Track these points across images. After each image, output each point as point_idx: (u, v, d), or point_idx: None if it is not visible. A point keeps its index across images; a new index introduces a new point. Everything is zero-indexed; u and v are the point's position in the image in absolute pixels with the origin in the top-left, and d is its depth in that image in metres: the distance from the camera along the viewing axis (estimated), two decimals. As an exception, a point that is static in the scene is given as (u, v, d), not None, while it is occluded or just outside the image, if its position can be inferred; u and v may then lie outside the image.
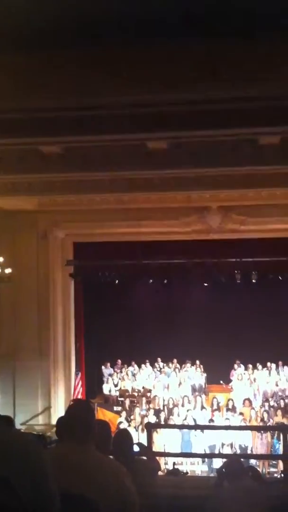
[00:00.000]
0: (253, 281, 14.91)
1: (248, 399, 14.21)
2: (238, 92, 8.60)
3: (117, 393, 16.09)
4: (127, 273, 15.03)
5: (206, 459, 12.00)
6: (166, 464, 11.38)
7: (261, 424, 12.73)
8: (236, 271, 14.83)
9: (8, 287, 13.85)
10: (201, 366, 16.68)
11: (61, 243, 15.19)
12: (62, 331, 15.10)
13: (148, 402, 14.82)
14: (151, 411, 13.75)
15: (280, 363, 16.38)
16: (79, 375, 15.39)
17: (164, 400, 14.88)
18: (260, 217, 14.03)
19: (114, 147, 10.79)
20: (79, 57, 8.35)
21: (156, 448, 10.96)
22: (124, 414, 13.55)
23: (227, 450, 11.72)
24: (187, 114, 9.23)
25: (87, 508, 2.87)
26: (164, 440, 11.99)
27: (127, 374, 16.65)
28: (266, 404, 14.30)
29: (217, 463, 10.64)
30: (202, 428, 12.31)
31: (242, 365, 16.61)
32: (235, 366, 16.64)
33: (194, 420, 12.80)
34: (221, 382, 16.04)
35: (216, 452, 11.72)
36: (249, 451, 11.96)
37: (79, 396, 14.71)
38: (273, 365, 16.38)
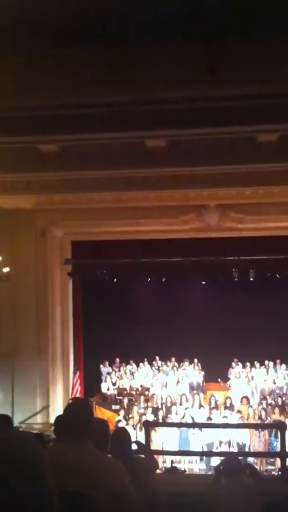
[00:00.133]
0: (251, 279, 14.93)
1: (246, 397, 14.24)
2: (237, 90, 8.63)
3: (115, 392, 16.10)
4: (125, 272, 15.04)
5: (204, 457, 12.04)
6: (164, 462, 11.42)
7: (258, 422, 12.75)
8: (234, 269, 14.85)
9: (7, 286, 13.86)
10: (199, 364, 16.69)
11: (60, 242, 15.19)
12: (60, 330, 15.12)
13: (146, 401, 14.84)
14: (149, 410, 13.77)
15: (277, 361, 16.40)
16: (78, 374, 15.40)
17: (162, 399, 14.90)
18: (258, 215, 14.05)
19: (112, 146, 10.81)
20: (77, 57, 8.37)
21: (154, 446, 10.99)
22: (122, 412, 13.57)
23: (225, 448, 11.74)
24: (186, 112, 9.25)
25: (86, 506, 2.88)
26: (162, 438, 12.01)
27: (125, 372, 16.66)
28: (264, 402, 14.32)
29: (215, 461, 10.66)
30: (200, 426, 12.34)
31: (240, 363, 16.63)
32: (233, 364, 16.65)
33: (192, 418, 12.83)
34: (219, 380, 16.05)
35: (214, 450, 11.75)
36: (246, 449, 11.99)
37: (78, 395, 14.72)
38: (271, 363, 16.39)
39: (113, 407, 14.97)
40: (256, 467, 8.97)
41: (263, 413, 12.97)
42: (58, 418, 5.28)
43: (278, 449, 10.39)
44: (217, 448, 11.84)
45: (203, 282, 15.80)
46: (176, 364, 16.85)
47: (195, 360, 16.74)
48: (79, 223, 14.50)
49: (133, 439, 7.13)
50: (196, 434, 12.08)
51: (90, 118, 9.42)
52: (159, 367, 16.91)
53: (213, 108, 9.06)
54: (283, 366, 16.38)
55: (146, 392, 15.49)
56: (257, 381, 15.81)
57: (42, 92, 8.61)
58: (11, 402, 13.79)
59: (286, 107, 9.17)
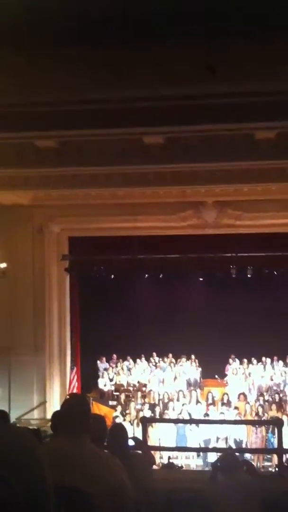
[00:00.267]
0: (249, 276, 14.93)
1: (243, 394, 14.26)
2: (235, 87, 8.62)
3: (113, 388, 16.12)
4: (123, 268, 15.03)
5: (201, 453, 12.06)
6: (161, 458, 11.43)
7: (256, 418, 12.78)
8: (231, 266, 14.85)
9: (3, 282, 13.84)
10: (196, 360, 16.71)
11: (57, 237, 15.17)
12: (57, 326, 15.11)
13: (144, 397, 14.86)
14: (146, 406, 13.79)
15: (275, 357, 16.44)
16: (75, 370, 15.40)
17: (159, 395, 14.92)
18: (256, 212, 14.04)
19: (110, 142, 10.78)
20: (76, 54, 8.34)
21: (151, 442, 10.99)
22: (119, 408, 13.58)
23: (222, 444, 11.77)
24: (184, 109, 9.23)
25: (83, 502, 2.88)
26: (159, 434, 12.02)
27: (122, 368, 16.68)
28: (261, 398, 14.36)
29: (212, 457, 10.69)
30: (197, 422, 12.35)
31: (237, 360, 16.66)
32: (230, 360, 16.68)
33: (189, 414, 12.84)
34: (216, 376, 16.08)
35: (211, 446, 11.76)
36: (243, 445, 12.01)
37: (75, 391, 14.73)
38: (268, 360, 16.43)
39: (110, 403, 14.99)
40: (253, 463, 8.98)
41: (260, 410, 12.99)
42: (55, 414, 5.29)
43: (275, 445, 10.41)
44: (214, 445, 11.86)
45: (201, 279, 15.81)
46: (173, 360, 16.87)
47: (193, 357, 16.76)
48: (77, 219, 14.48)
49: (130, 435, 7.13)
50: (193, 430, 12.10)
51: (88, 114, 9.39)
52: (156, 363, 16.93)
53: (211, 105, 9.04)
54: (280, 362, 16.41)
55: (143, 388, 15.50)
56: (254, 377, 15.84)
57: (41, 90, 8.60)
58: (8, 398, 13.78)
59: (286, 104, 9.17)
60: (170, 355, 16.96)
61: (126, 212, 14.07)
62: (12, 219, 14.30)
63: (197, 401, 13.89)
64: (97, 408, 13.53)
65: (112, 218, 14.21)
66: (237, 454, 6.38)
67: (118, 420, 11.77)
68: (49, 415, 12.46)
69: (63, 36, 7.89)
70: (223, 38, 7.92)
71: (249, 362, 16.52)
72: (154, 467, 8.17)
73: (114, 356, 17.11)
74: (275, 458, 10.64)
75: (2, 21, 7.40)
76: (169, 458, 11.13)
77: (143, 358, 16.94)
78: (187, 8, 7.22)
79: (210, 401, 13.81)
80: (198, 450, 11.90)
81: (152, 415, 12.85)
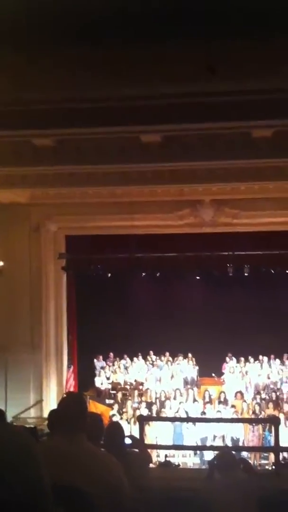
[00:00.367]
0: (246, 274, 14.94)
1: (240, 392, 14.27)
2: (233, 85, 8.62)
3: (109, 386, 16.12)
4: (120, 267, 15.02)
5: (198, 452, 12.06)
6: (158, 456, 11.44)
7: (252, 416, 12.79)
8: (228, 265, 14.85)
9: (0, 280, 13.82)
10: (193, 359, 16.72)
11: (54, 236, 15.16)
12: (54, 325, 15.10)
13: (140, 395, 14.86)
14: (143, 404, 13.79)
15: (272, 356, 16.46)
16: (71, 368, 15.40)
17: (156, 393, 14.92)
18: (253, 211, 14.05)
19: (108, 140, 10.77)
20: (76, 53, 8.33)
21: (148, 440, 11.01)
22: (116, 407, 13.58)
23: (218, 443, 11.77)
24: (182, 107, 9.23)
25: (80, 501, 2.87)
26: (156, 433, 12.03)
27: (119, 367, 16.68)
28: (258, 396, 14.36)
29: (209, 455, 10.69)
30: (194, 420, 12.36)
31: (234, 358, 16.68)
32: (227, 359, 16.69)
33: (186, 412, 12.84)
34: (213, 375, 16.09)
35: (208, 444, 11.77)
36: (240, 444, 12.03)
37: (71, 389, 14.73)
38: (265, 358, 16.45)
39: (107, 401, 14.99)
40: (250, 461, 8.99)
41: (257, 408, 13.00)
42: (52, 413, 5.28)
43: (272, 443, 10.44)
44: (211, 443, 11.87)
45: (198, 277, 15.81)
46: (170, 358, 16.88)
47: (190, 355, 16.78)
48: (74, 218, 14.47)
49: (127, 433, 7.13)
50: (190, 429, 12.11)
51: (86, 113, 9.38)
52: (153, 361, 16.94)
53: (209, 104, 9.04)
54: (277, 361, 16.44)
55: (140, 387, 15.51)
56: (251, 376, 15.86)
57: (39, 88, 8.59)
58: (5, 397, 13.77)
59: (283, 103, 9.17)
60: (167, 353, 16.97)
61: (124, 211, 14.06)
62: (9, 218, 14.28)
63: (194, 400, 13.89)
64: (94, 407, 13.53)
65: (110, 217, 14.20)
66: (234, 452, 6.38)
67: (115, 419, 11.76)
68: (45, 414, 12.45)
69: (63, 36, 7.88)
70: (222, 38, 7.92)
71: (246, 360, 16.55)
72: (151, 465, 8.18)
73: (111, 354, 17.11)
74: (272, 456, 10.67)
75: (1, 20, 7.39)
76: (166, 456, 11.13)
77: (140, 357, 16.94)
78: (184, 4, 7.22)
79: (207, 399, 13.81)
80: (195, 448, 11.91)
81: (149, 413, 12.84)
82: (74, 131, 10.00)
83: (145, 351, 17.07)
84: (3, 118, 9.07)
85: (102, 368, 16.67)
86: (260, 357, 16.46)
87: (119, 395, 14.88)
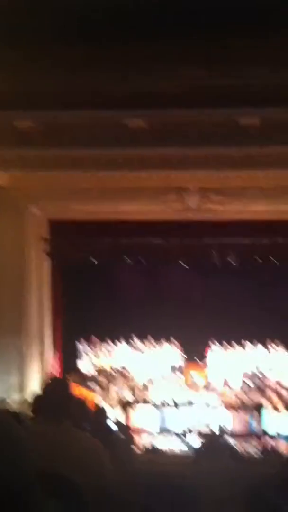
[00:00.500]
0: (231, 261, 14.94)
1: (225, 379, 14.34)
2: (223, 71, 8.56)
3: (94, 371, 16.11)
4: (104, 252, 14.95)
5: (183, 437, 12.11)
6: (143, 441, 11.46)
7: (238, 403, 12.86)
8: (214, 252, 14.85)
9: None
10: (178, 344, 16.76)
11: (37, 220, 15.01)
12: (37, 309, 15.01)
13: (125, 380, 14.86)
14: (128, 389, 13.79)
15: (256, 342, 16.53)
16: (55, 353, 15.35)
17: (140, 378, 14.93)
18: (240, 199, 14.00)
19: (93, 125, 10.65)
20: (58, 33, 8.20)
21: (133, 426, 11.02)
22: (100, 391, 13.57)
23: (204, 429, 11.82)
24: (170, 93, 9.15)
25: (64, 486, 2.83)
26: (140, 418, 12.05)
27: (103, 352, 16.68)
28: (243, 383, 14.43)
29: (195, 441, 10.74)
30: (179, 406, 12.40)
31: (219, 344, 16.72)
32: (212, 345, 16.74)
33: (171, 398, 12.88)
34: (198, 361, 16.14)
35: (194, 430, 11.82)
36: (226, 430, 12.08)
37: (55, 374, 14.68)
38: (250, 345, 16.52)
39: (91, 386, 14.97)
40: (235, 447, 9.05)
41: (242, 395, 13.07)
42: (36, 397, 5.22)
43: (258, 430, 10.52)
44: (196, 429, 11.91)
45: (183, 264, 15.79)
46: (154, 344, 16.89)
47: (174, 341, 16.80)
48: (58, 203, 14.32)
49: (112, 418, 7.12)
50: (175, 414, 12.14)
51: (71, 96, 9.26)
52: (137, 346, 16.95)
53: (197, 90, 8.97)
54: (262, 347, 16.52)
55: (125, 372, 15.51)
56: (236, 362, 15.92)
57: (20, 67, 8.46)
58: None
59: (272, 90, 9.13)
60: (151, 338, 16.99)
61: (109, 196, 13.94)
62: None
63: (179, 385, 13.93)
64: (78, 391, 13.51)
65: (94, 202, 14.07)
66: (219, 438, 6.39)
67: (99, 404, 11.76)
68: (29, 398, 12.41)
69: (46, 15, 7.76)
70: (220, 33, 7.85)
71: (231, 346, 16.60)
72: (136, 451, 8.19)
73: (95, 339, 17.09)
74: (257, 442, 10.75)
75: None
76: (151, 442, 11.17)
77: (124, 342, 16.94)
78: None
79: (192, 385, 13.86)
80: (180, 434, 11.95)
81: (134, 398, 12.86)
82: (60, 115, 9.88)
83: (129, 336, 17.07)
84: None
85: (86, 353, 16.66)
86: (245, 343, 16.54)
87: (104, 380, 14.87)
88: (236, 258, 14.86)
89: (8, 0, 7.43)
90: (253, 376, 15.33)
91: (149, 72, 9.02)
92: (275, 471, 4.52)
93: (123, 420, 9.05)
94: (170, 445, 12.21)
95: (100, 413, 5.44)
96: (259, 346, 16.50)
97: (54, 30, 7.97)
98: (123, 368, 15.85)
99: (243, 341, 16.50)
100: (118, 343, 16.89)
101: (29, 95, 8.88)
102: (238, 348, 16.51)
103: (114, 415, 11.27)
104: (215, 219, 14.54)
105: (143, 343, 16.92)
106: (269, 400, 12.60)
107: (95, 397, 13.01)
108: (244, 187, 13.47)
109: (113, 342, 16.97)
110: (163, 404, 12.42)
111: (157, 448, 10.41)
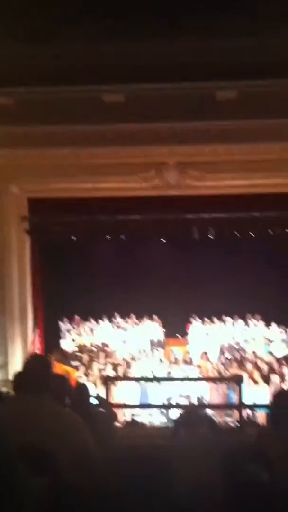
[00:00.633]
0: (210, 237, 14.99)
1: (205, 352, 14.50)
2: (198, 45, 8.50)
3: (75, 348, 16.18)
4: (84, 229, 14.89)
5: (163, 410, 12.26)
6: (124, 416, 11.59)
7: (217, 376, 13.03)
8: (193, 227, 14.87)
9: None
10: (159, 320, 16.89)
11: (16, 199, 14.86)
12: (18, 288, 14.95)
13: (106, 357, 14.96)
14: (109, 366, 13.89)
15: (235, 316, 16.72)
16: (37, 331, 15.36)
17: (122, 354, 15.05)
18: (217, 173, 13.99)
19: (68, 100, 10.53)
20: (36, 6, 8.06)
21: (114, 400, 11.13)
22: (82, 368, 13.65)
23: (184, 401, 11.98)
24: (146, 67, 9.08)
25: (45, 461, 2.88)
26: (122, 393, 12.16)
27: (84, 329, 16.74)
28: (222, 357, 14.62)
29: (175, 413, 10.89)
30: (160, 380, 12.53)
31: (198, 319, 16.89)
32: (192, 320, 16.90)
33: (152, 373, 13.01)
34: (178, 335, 16.29)
35: (174, 403, 11.98)
36: (205, 402, 12.27)
37: (37, 352, 14.70)
38: (229, 319, 16.71)
39: (73, 363, 15.03)
40: (214, 419, 9.19)
41: (221, 368, 13.25)
42: (16, 374, 5.26)
43: (236, 401, 10.69)
44: (176, 402, 12.07)
45: (162, 240, 15.81)
46: (135, 320, 17.00)
47: (155, 317, 16.93)
48: (36, 180, 14.14)
49: (93, 394, 7.18)
50: (156, 388, 12.28)
51: (45, 70, 9.13)
52: (118, 323, 17.04)
53: (174, 64, 8.91)
54: (241, 321, 16.72)
55: (106, 348, 15.61)
56: (215, 336, 16.12)
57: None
58: None
59: (248, 63, 9.10)
60: (132, 315, 17.08)
61: (87, 173, 13.83)
62: None
63: (160, 360, 14.07)
64: (60, 369, 13.57)
65: (73, 179, 13.95)
66: (198, 410, 6.50)
67: (81, 380, 11.84)
68: (11, 376, 12.45)
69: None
70: None
71: (211, 321, 16.78)
72: (118, 424, 8.29)
73: (76, 317, 17.14)
74: (235, 413, 10.93)
75: None
76: (132, 415, 11.30)
77: (105, 319, 17.03)
78: None
79: (172, 360, 14.00)
80: (160, 407, 12.10)
81: (116, 374, 12.97)
82: (34, 90, 9.75)
83: (110, 313, 17.15)
84: None
85: (68, 330, 16.71)
86: (224, 317, 16.72)
87: (85, 357, 14.94)
88: (216, 233, 14.89)
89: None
90: (230, 348, 15.53)
91: (125, 46, 8.92)
92: (251, 440, 4.63)
93: (104, 395, 9.12)
94: (151, 418, 12.38)
95: (81, 389, 5.49)
96: (240, 320, 16.70)
97: (24, 4, 7.84)
98: (104, 344, 15.94)
99: (223, 316, 16.69)
100: (100, 321, 16.96)
101: (2, 72, 8.74)
102: (218, 323, 16.70)
103: (95, 391, 11.37)
104: (194, 194, 14.54)
105: (125, 321, 17.02)
106: (247, 372, 12.79)
107: (76, 374, 13.08)
108: (220, 161, 13.46)
109: (96, 320, 17.04)
110: (144, 379, 12.55)
111: (137, 422, 10.54)
